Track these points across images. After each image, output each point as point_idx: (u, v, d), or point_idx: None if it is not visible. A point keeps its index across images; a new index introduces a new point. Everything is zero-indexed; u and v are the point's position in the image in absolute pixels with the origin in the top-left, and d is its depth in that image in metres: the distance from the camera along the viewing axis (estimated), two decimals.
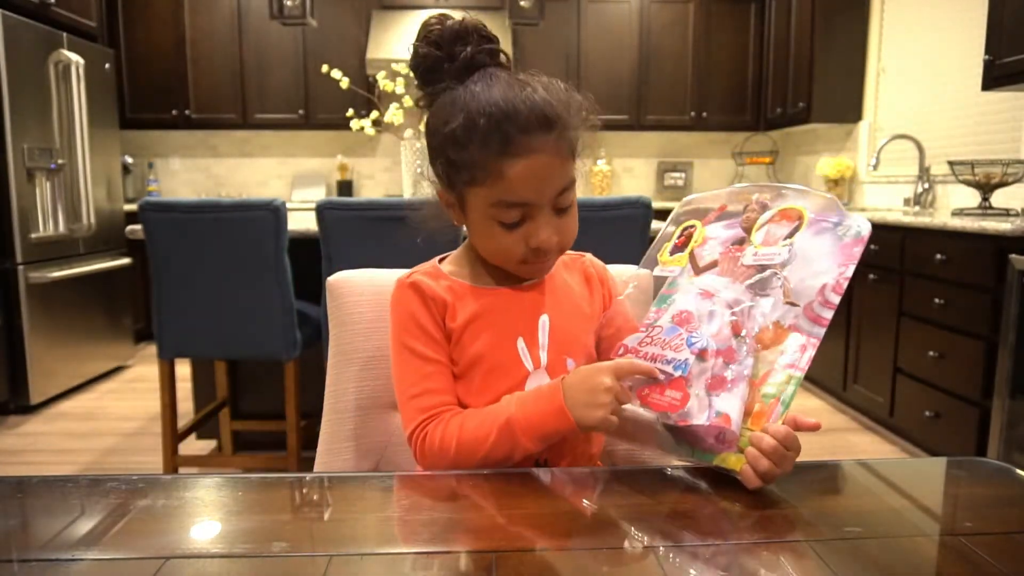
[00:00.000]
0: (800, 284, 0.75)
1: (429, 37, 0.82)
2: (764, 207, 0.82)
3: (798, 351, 0.72)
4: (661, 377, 0.76)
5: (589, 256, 1.02)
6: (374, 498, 0.72)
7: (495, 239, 0.84)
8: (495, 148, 0.77)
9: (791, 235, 0.77)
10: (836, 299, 0.72)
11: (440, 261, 0.95)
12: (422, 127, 0.91)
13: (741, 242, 0.82)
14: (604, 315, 0.94)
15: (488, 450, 0.79)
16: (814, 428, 0.73)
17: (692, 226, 0.89)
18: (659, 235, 0.93)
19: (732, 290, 0.78)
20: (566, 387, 0.77)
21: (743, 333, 0.75)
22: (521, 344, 0.89)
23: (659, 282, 0.89)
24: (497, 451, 0.79)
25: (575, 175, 0.84)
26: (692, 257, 0.85)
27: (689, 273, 0.85)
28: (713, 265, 0.83)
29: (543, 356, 0.88)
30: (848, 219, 0.76)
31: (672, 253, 0.89)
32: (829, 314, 0.72)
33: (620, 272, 1.15)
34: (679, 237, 0.89)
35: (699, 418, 0.72)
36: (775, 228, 0.80)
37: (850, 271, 0.73)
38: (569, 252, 0.98)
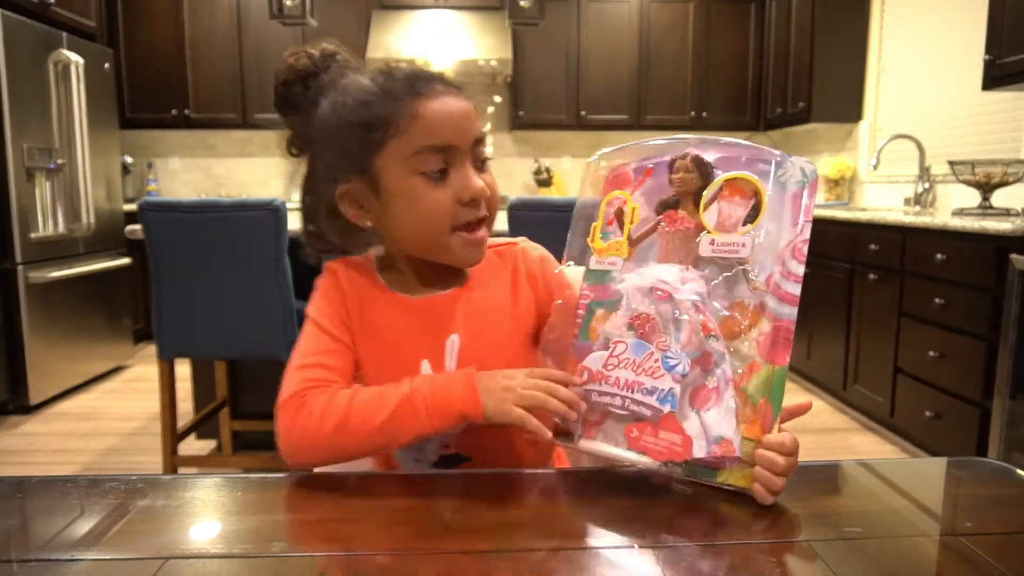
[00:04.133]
0: (755, 252, 0.66)
1: (287, 77, 0.84)
2: (701, 165, 0.70)
3: (775, 338, 0.65)
4: (640, 409, 0.68)
5: (523, 243, 0.90)
6: (374, 498, 0.72)
7: (422, 200, 0.76)
8: (409, 93, 0.76)
9: (752, 219, 0.67)
10: (800, 269, 0.65)
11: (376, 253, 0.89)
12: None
13: (675, 205, 0.71)
14: (547, 319, 0.80)
15: (381, 423, 0.71)
16: (806, 408, 0.71)
17: (620, 198, 0.74)
18: (577, 211, 0.77)
19: (690, 283, 0.68)
20: (480, 374, 0.72)
21: (713, 332, 0.67)
22: (426, 367, 0.82)
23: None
24: (391, 425, 0.71)
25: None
26: (631, 239, 0.74)
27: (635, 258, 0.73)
28: (649, 234, 0.72)
29: None
30: (788, 161, 0.67)
31: (605, 236, 0.75)
32: (797, 289, 0.64)
33: None
34: (609, 216, 0.75)
35: (698, 450, 0.66)
36: (728, 207, 0.68)
37: (807, 231, 0.65)
38: (500, 239, 0.90)
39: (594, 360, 0.71)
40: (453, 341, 0.82)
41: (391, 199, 0.78)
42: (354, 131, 0.77)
